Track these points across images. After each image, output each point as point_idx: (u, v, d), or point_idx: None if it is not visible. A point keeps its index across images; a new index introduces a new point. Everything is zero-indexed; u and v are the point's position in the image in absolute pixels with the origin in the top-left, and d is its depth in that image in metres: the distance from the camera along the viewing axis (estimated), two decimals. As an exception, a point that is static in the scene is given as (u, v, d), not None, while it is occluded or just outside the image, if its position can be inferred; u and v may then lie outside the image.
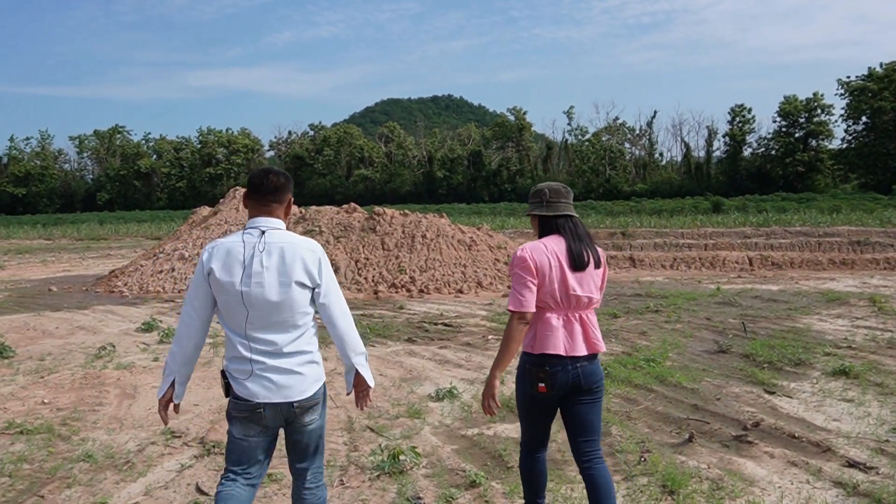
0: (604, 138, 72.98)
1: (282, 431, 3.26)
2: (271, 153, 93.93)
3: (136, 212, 73.68)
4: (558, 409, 3.57)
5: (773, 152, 63.78)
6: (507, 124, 78.25)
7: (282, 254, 3.05)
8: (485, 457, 5.16)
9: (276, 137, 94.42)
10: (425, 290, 13.53)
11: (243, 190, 18.06)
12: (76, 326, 11.19)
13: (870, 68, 57.94)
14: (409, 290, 13.59)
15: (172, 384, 3.18)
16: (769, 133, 65.29)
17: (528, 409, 3.60)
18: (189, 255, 15.65)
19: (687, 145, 73.23)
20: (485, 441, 5.46)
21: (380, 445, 5.18)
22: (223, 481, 3.16)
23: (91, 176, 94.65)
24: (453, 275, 13.93)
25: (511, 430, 5.74)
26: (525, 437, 3.70)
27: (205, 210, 18.44)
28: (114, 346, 9.18)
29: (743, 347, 8.37)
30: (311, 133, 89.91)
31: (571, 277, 3.37)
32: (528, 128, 77.49)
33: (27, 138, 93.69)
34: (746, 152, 66.88)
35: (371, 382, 3.35)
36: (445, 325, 10.47)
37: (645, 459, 4.93)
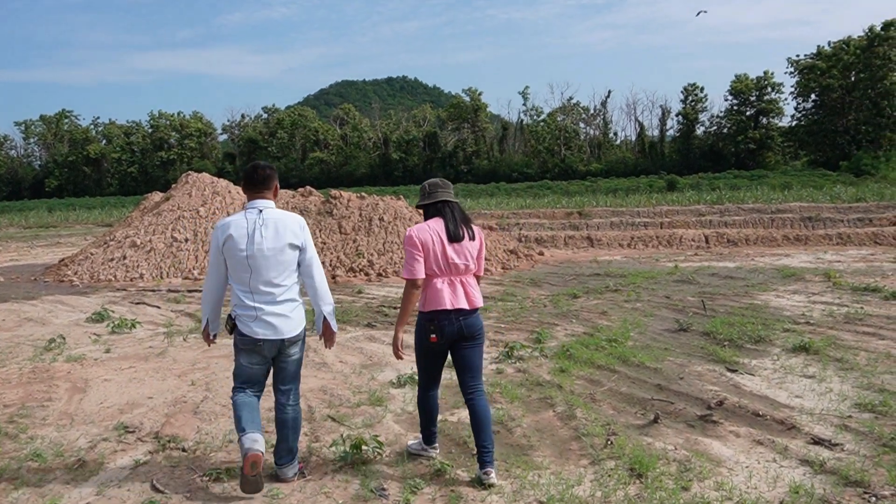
0: (559, 118, 73.17)
1: None
2: (224, 136, 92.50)
3: (86, 198, 72.07)
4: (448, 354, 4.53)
5: (726, 130, 64.59)
6: (462, 105, 77.88)
7: (276, 226, 4.21)
8: (448, 444, 5.06)
9: (229, 121, 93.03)
10: (384, 274, 13.37)
11: (196, 175, 17.79)
12: (24, 318, 10.81)
13: (818, 47, 58.86)
14: (367, 274, 13.42)
15: (208, 322, 4.47)
16: (721, 111, 66.13)
17: (424, 356, 4.55)
18: (141, 243, 15.25)
19: (641, 125, 73.85)
20: (448, 428, 5.35)
21: (341, 435, 5.04)
22: (237, 393, 4.37)
23: (39, 162, 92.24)
24: (412, 258, 13.77)
25: (475, 415, 5.64)
26: (422, 379, 4.65)
27: (157, 196, 17.99)
28: (63, 338, 8.87)
29: (703, 325, 8.39)
30: (265, 116, 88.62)
31: (450, 249, 4.29)
32: (483, 108, 77.21)
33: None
34: (699, 131, 67.64)
35: (335, 328, 4.50)
36: (405, 308, 10.32)
37: (611, 442, 4.87)
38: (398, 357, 4.51)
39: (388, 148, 77.48)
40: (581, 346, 7.55)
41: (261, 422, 4.34)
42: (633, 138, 75.76)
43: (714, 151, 63.59)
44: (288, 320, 4.25)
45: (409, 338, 5.89)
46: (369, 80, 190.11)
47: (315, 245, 14.35)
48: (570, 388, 6.18)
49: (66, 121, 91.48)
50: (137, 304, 11.78)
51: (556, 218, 24.10)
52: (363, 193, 15.99)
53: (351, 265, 13.65)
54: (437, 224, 4.35)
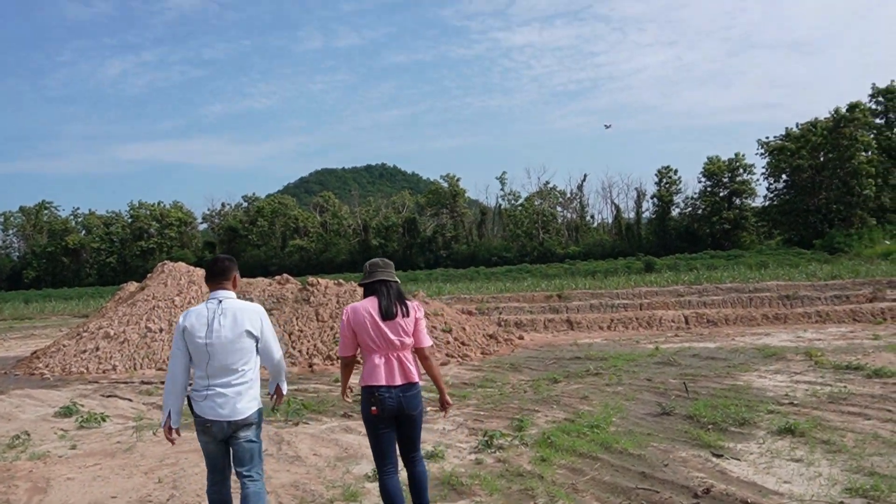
0: (536, 202, 73.97)
1: None
2: (205, 225, 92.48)
3: (64, 289, 71.27)
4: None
5: (700, 211, 65.42)
6: (440, 191, 78.67)
7: (234, 315, 4.48)
8: (426, 542, 4.82)
9: (209, 210, 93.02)
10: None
11: (172, 264, 17.64)
12: (-11, 414, 10.46)
13: (787, 128, 60.31)
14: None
15: (170, 415, 4.52)
16: (695, 193, 67.09)
17: (370, 429, 4.71)
18: (115, 333, 14.96)
19: (617, 207, 74.71)
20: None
21: (313, 536, 4.81)
22: (209, 485, 4.66)
23: (17, 253, 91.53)
24: (390, 344, 13.58)
25: (453, 509, 5.42)
26: (375, 460, 4.77)
27: (132, 286, 17.78)
28: (28, 434, 8.56)
29: (686, 408, 8.23)
30: (245, 204, 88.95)
31: (384, 326, 4.56)
32: (461, 194, 78.02)
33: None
34: (675, 212, 68.47)
35: (285, 390, 4.92)
36: (383, 397, 10.09)
37: (595, 536, 4.67)
38: (345, 400, 5.01)
39: (367, 234, 77.72)
40: (562, 433, 7.36)
41: None
42: (610, 221, 76.56)
43: (690, 232, 64.28)
44: (238, 403, 4.43)
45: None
46: (349, 167, 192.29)
47: (292, 333, 13.95)
48: (551, 479, 5.98)
49: (46, 212, 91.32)
50: (108, 396, 11.46)
51: (536, 301, 24.04)
52: (340, 280, 15.87)
53: (328, 353, 13.42)
54: (371, 303, 4.64)
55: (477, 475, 6.17)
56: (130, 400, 11.13)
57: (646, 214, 71.50)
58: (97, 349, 14.60)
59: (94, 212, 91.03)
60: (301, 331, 14.04)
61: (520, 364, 12.53)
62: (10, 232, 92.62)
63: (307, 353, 13.46)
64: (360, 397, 4.75)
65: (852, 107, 54.38)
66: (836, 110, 55.23)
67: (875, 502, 5.07)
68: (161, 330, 14.84)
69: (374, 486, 6.06)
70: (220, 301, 4.53)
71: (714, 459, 6.32)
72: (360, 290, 14.99)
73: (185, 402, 4.53)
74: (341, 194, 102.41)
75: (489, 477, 6.11)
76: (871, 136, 55.13)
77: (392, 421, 4.61)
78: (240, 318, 4.46)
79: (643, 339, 15.36)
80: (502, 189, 78.89)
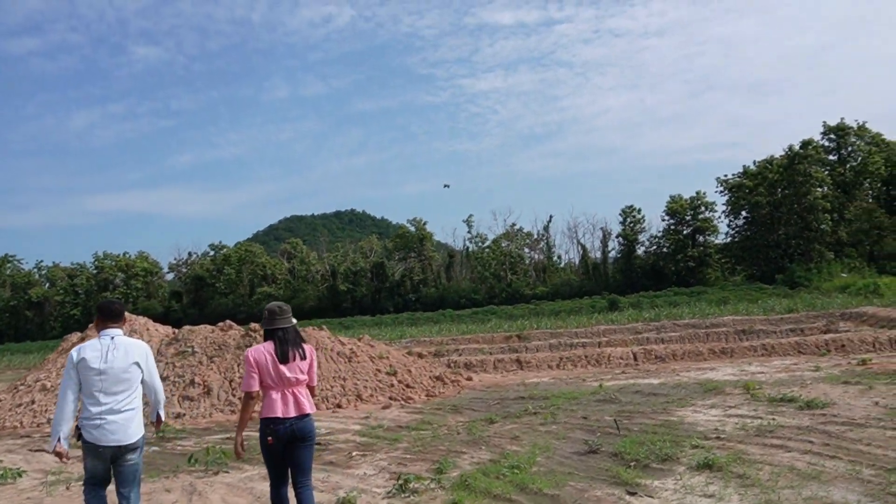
0: (503, 244, 74.08)
1: None
2: (171, 275, 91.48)
3: (26, 343, 69.97)
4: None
5: (665, 249, 65.92)
6: (408, 235, 78.60)
7: (125, 349, 5.21)
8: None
9: (175, 259, 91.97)
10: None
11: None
12: None
13: (744, 166, 61.25)
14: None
15: (59, 439, 5.00)
16: (659, 231, 67.64)
17: (266, 456, 5.30)
18: (52, 386, 14.58)
19: (583, 247, 75.03)
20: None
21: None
22: (87, 491, 5.22)
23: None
24: (332, 389, 13.38)
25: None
26: (270, 477, 5.37)
27: (75, 337, 17.40)
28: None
29: (613, 446, 8.12)
30: (212, 253, 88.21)
31: (282, 367, 5.17)
32: (428, 237, 77.98)
33: None
34: (640, 250, 68.91)
35: (164, 417, 5.64)
36: (317, 443, 9.88)
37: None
38: (238, 456, 5.35)
39: (336, 279, 77.27)
40: (482, 476, 7.22)
41: None
42: (577, 261, 76.88)
43: (655, 270, 64.67)
44: (126, 429, 5.08)
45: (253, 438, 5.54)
46: (318, 214, 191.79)
47: (233, 380, 13.74)
48: (457, 522, 5.83)
49: (9, 265, 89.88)
50: (35, 451, 11.11)
51: (496, 342, 23.97)
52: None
53: (269, 400, 13.18)
54: (270, 346, 5.23)
55: (383, 521, 6.02)
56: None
57: (612, 253, 71.91)
58: (33, 402, 14.23)
59: (59, 264, 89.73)
60: (242, 378, 13.78)
61: (462, 405, 12.38)
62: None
63: (248, 401, 13.21)
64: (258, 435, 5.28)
65: (805, 144, 55.49)
66: (790, 147, 56.27)
67: (773, 535, 4.98)
68: (99, 381, 14.50)
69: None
70: (113, 337, 5.25)
71: (627, 498, 6.22)
72: (307, 338, 14.84)
73: (75, 429, 5.09)
74: (311, 241, 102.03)
75: (395, 522, 5.95)
76: (826, 171, 56.26)
77: (283, 448, 5.20)
78: (130, 351, 5.23)
79: (590, 377, 15.28)
80: (469, 231, 78.81)
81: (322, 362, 14.02)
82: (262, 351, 5.20)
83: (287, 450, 5.20)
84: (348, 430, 10.75)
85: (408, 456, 8.64)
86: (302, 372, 5.24)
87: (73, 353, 5.17)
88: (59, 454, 5.04)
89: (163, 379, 13.87)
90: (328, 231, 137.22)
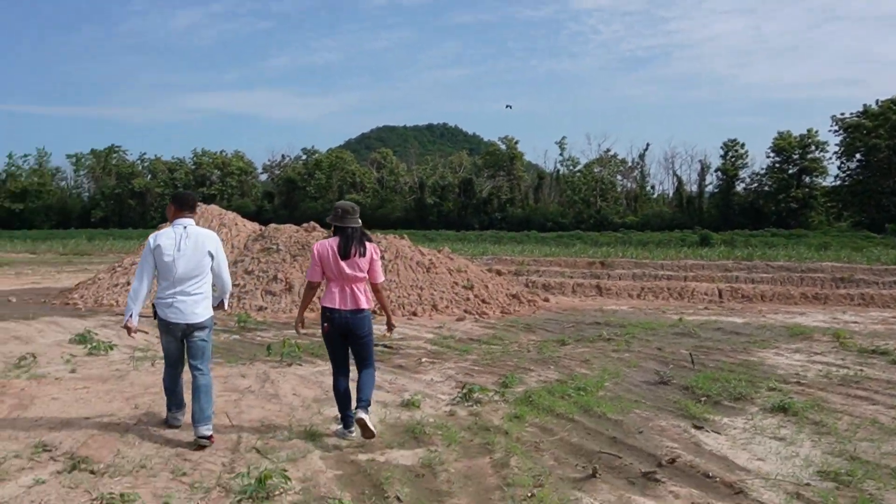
0: (595, 170, 72.72)
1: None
2: (265, 176, 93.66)
3: (128, 230, 73.25)
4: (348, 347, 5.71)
5: (766, 188, 63.45)
6: (498, 153, 77.94)
7: (196, 238, 5.57)
8: (365, 484, 4.72)
9: (269, 161, 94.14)
10: (377, 311, 13.06)
11: (205, 206, 17.82)
12: (11, 336, 10.71)
13: (865, 105, 57.68)
14: (376, 313, 13.13)
15: (131, 315, 5.57)
16: (762, 169, 65.06)
17: (326, 344, 5.77)
18: (142, 270, 15.21)
19: (679, 179, 72.99)
20: (373, 468, 5.01)
21: (248, 468, 4.73)
22: (166, 370, 5.81)
23: (87, 194, 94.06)
24: (408, 297, 13.49)
25: (406, 456, 5.29)
26: (332, 364, 5.79)
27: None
28: (34, 356, 8.73)
29: (685, 379, 7.91)
30: (304, 157, 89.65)
31: (342, 262, 5.47)
32: (519, 157, 77.14)
33: (25, 156, 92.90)
34: (739, 187, 66.57)
35: (226, 306, 6.06)
36: (385, 346, 10.02)
37: (533, 495, 4.49)
38: (297, 329, 5.86)
39: (423, 192, 77.66)
40: (546, 394, 7.15)
41: (182, 397, 5.87)
42: (671, 192, 75.04)
43: (754, 209, 62.44)
44: (195, 310, 5.52)
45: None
46: (410, 125, 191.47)
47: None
48: (517, 436, 5.80)
49: (115, 155, 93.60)
50: (125, 328, 11.62)
51: (578, 267, 23.63)
52: (366, 230, 15.78)
53: (347, 302, 13.40)
54: (335, 242, 5.54)
55: (443, 426, 6.03)
56: (147, 332, 11.26)
57: (709, 188, 69.74)
58: (128, 283, 14.86)
59: (160, 157, 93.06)
60: (323, 278, 14.03)
61: (536, 325, 12.31)
62: (81, 173, 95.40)
63: (326, 301, 13.46)
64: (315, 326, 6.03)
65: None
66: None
67: (844, 487, 4.76)
68: (188, 269, 15.01)
69: (337, 428, 5.98)
70: (185, 227, 5.59)
71: (692, 431, 6.05)
72: (384, 245, 14.91)
73: (152, 307, 5.65)
74: (401, 152, 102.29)
75: (454, 429, 5.96)
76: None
77: (342, 338, 5.60)
78: (200, 241, 5.56)
79: (671, 309, 14.94)
80: (561, 154, 77.57)
81: (400, 270, 14.11)
82: (327, 246, 5.53)
83: (346, 342, 5.64)
84: (421, 338, 10.84)
85: (476, 368, 8.65)
86: (361, 269, 5.52)
87: (151, 239, 5.59)
88: (128, 328, 5.59)
89: (247, 273, 14.26)
90: (419, 143, 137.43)
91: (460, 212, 74.96)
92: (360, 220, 5.66)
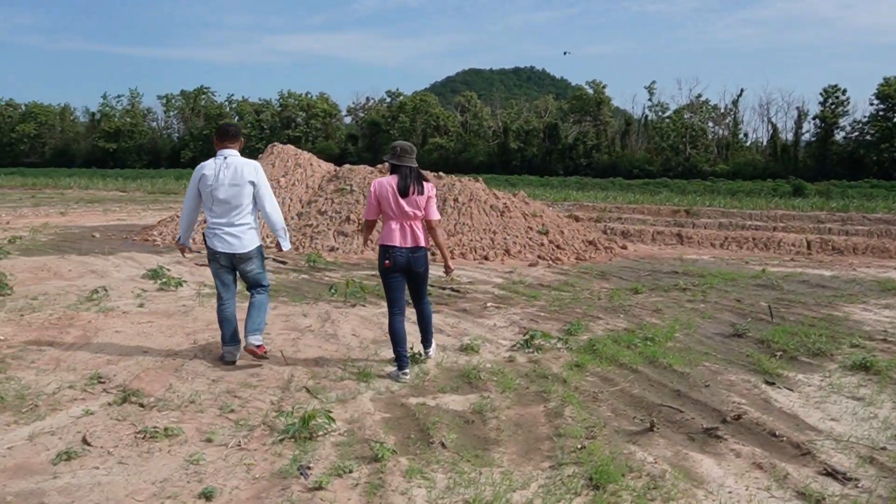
0: (685, 116, 70.26)
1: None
2: (349, 119, 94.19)
3: (217, 170, 74.87)
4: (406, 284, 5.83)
5: (868, 137, 60.25)
6: (585, 97, 76.06)
7: (235, 168, 5.67)
8: (412, 428, 4.62)
9: (353, 103, 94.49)
10: (450, 255, 12.93)
11: (281, 146, 17.88)
12: (89, 270, 11.07)
13: (980, 51, 53.98)
14: (433, 254, 13.01)
15: (180, 237, 6.18)
16: (865, 117, 61.64)
17: (384, 281, 5.77)
18: (220, 208, 15.44)
19: (774, 126, 69.86)
20: (422, 412, 4.91)
21: (293, 407, 4.69)
22: (218, 303, 5.98)
23: (177, 134, 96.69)
24: (481, 240, 13.29)
25: (458, 401, 5.16)
26: (388, 302, 5.82)
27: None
28: (106, 290, 8.96)
29: (762, 333, 7.50)
30: (388, 100, 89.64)
31: (402, 200, 5.53)
32: (606, 102, 75.15)
33: (118, 96, 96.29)
34: (839, 136, 63.40)
35: (285, 247, 6.05)
36: (453, 290, 9.89)
37: (584, 447, 4.29)
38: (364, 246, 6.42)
39: (507, 137, 76.76)
40: (611, 342, 6.90)
41: (236, 330, 5.94)
42: (765, 140, 72.06)
43: (854, 159, 59.37)
44: (239, 240, 5.71)
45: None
46: (496, 69, 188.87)
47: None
48: (575, 385, 5.59)
49: (204, 97, 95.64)
50: (200, 265, 11.83)
51: (662, 215, 22.89)
52: (440, 173, 15.58)
53: (419, 244, 13.29)
54: (394, 180, 5.57)
55: (499, 372, 5.88)
56: (199, 253, 11.45)
57: (805, 136, 66.64)
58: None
59: (247, 99, 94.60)
60: (396, 220, 13.96)
61: (610, 272, 11.96)
62: (171, 114, 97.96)
63: (398, 243, 13.39)
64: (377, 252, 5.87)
65: None
66: None
67: (925, 451, 4.39)
68: (264, 208, 15.14)
69: (391, 370, 5.89)
70: (226, 157, 5.74)
71: (763, 387, 5.72)
72: (458, 188, 14.70)
73: (202, 235, 5.90)
74: (486, 96, 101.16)
75: (511, 375, 5.80)
76: None
77: (401, 274, 5.68)
78: (240, 170, 5.67)
79: (755, 260, 14.29)
80: (650, 99, 75.52)
81: (474, 213, 13.91)
82: (385, 184, 5.58)
83: (404, 279, 5.74)
84: (489, 282, 10.66)
85: (542, 314, 8.43)
86: (419, 207, 5.59)
87: (197, 169, 5.83)
88: (181, 250, 6.15)
89: (320, 213, 14.29)
90: (505, 87, 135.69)
91: (544, 157, 73.88)
92: (416, 161, 5.71)
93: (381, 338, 7.02)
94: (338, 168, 16.39)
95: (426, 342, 6.14)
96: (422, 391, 5.40)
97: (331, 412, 4.57)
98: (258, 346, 5.71)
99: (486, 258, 12.86)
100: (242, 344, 5.88)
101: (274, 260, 12.34)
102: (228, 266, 5.83)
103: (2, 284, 8.78)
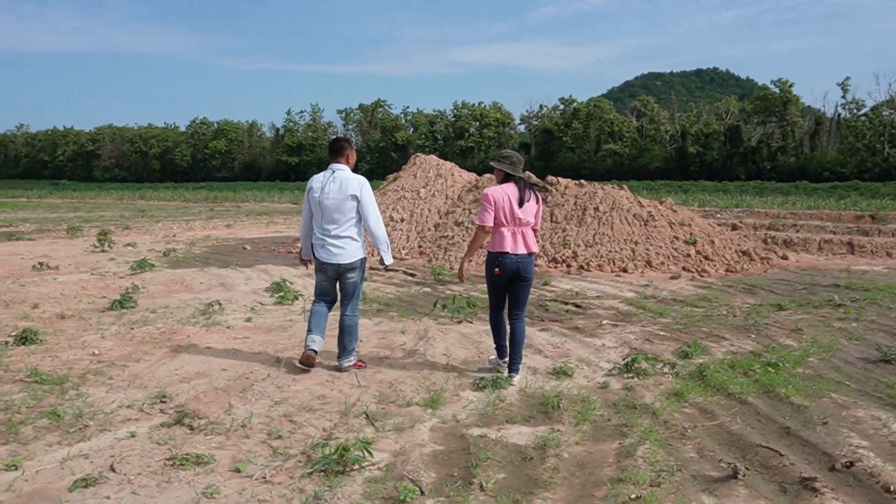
0: (884, 112, 64.31)
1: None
2: (522, 127, 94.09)
3: (393, 182, 77.23)
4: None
5: None
6: (769, 97, 71.33)
7: (341, 182, 5.88)
8: (459, 465, 4.22)
9: (527, 111, 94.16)
10: (585, 267, 12.30)
11: (424, 157, 17.89)
12: (219, 282, 11.33)
13: None
14: (568, 266, 12.44)
15: (301, 249, 6.44)
16: None
17: (491, 286, 5.96)
18: (362, 220, 15.61)
19: None
20: (478, 445, 4.48)
21: (330, 436, 4.40)
22: (313, 303, 6.25)
23: (355, 147, 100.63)
24: (621, 251, 12.54)
25: (524, 434, 4.69)
26: (491, 303, 6.05)
27: (393, 177, 18.37)
28: (221, 304, 9.11)
29: (919, 359, 6.43)
30: (561, 107, 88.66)
31: (517, 209, 5.65)
32: (794, 101, 70.04)
33: (301, 112, 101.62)
34: None
35: (387, 261, 6.16)
36: (575, 305, 9.31)
37: (639, 497, 3.71)
38: (461, 279, 6.16)
39: (685, 141, 73.70)
40: (726, 368, 6.13)
41: (325, 328, 6.16)
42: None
43: None
44: (344, 252, 5.92)
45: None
46: (677, 71, 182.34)
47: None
48: (665, 418, 4.95)
49: (380, 110, 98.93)
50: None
51: (843, 221, 20.88)
52: (582, 181, 14.91)
53: (554, 255, 12.74)
54: (510, 189, 5.72)
55: (584, 400, 5.33)
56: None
57: None
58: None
59: (422, 110, 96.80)
60: (533, 230, 13.48)
61: (760, 286, 10.88)
62: (350, 127, 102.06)
63: (533, 254, 12.92)
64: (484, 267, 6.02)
65: None
66: None
67: None
68: (402, 220, 15.15)
69: (471, 395, 5.51)
70: (334, 171, 5.97)
71: (895, 426, 4.81)
72: (600, 196, 14.01)
73: (311, 246, 6.11)
74: (666, 99, 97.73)
75: (596, 404, 5.25)
76: None
77: (507, 281, 5.80)
78: (345, 185, 5.86)
79: (943, 272, 12.56)
80: (843, 97, 69.54)
81: (615, 223, 13.18)
82: (502, 192, 5.71)
83: (509, 285, 5.84)
84: (618, 297, 9.98)
85: (662, 333, 7.71)
86: (532, 215, 5.77)
87: (308, 183, 6.12)
88: (304, 263, 6.44)
89: (457, 224, 14.09)
90: (686, 90, 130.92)
91: (725, 161, 70.27)
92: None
93: (474, 358, 6.65)
94: (478, 178, 16.14)
95: (513, 366, 5.93)
96: (489, 420, 4.97)
97: (369, 443, 4.23)
98: (353, 364, 6.14)
99: (624, 270, 12.12)
100: (324, 341, 6.22)
101: (405, 272, 12.25)
102: (333, 277, 6.09)
103: (128, 298, 9.15)
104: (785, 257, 13.68)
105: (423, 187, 15.95)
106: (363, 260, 6.09)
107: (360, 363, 6.19)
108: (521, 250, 5.71)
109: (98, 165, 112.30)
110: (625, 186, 14.83)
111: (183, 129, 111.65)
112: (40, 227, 23.09)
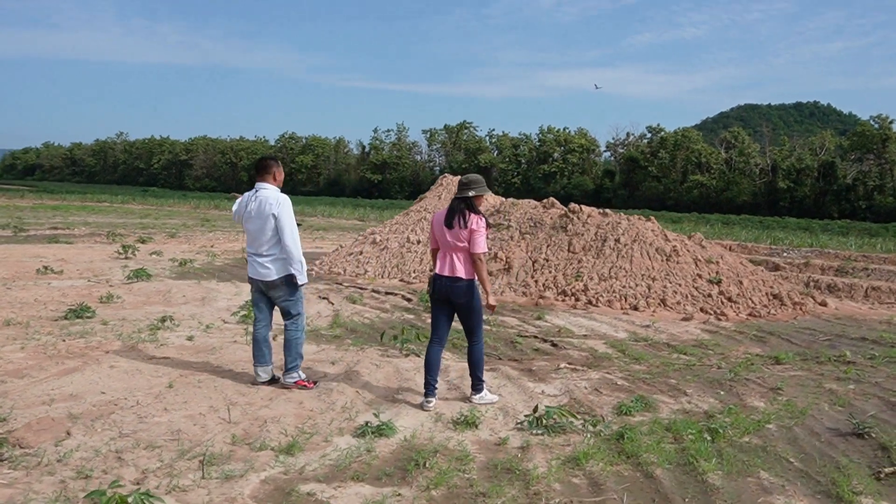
0: None
1: None
2: (607, 154, 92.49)
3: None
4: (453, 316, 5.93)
5: None
6: (868, 133, 67.93)
7: (260, 201, 5.93)
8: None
9: (613, 139, 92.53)
10: (594, 302, 11.43)
11: (451, 178, 17.31)
12: (201, 297, 10.98)
13: None
14: (576, 300, 11.60)
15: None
16: None
17: (432, 305, 5.95)
18: (380, 240, 15.09)
19: None
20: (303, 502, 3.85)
21: (139, 481, 3.84)
22: (254, 326, 6.27)
23: (438, 167, 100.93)
24: (635, 288, 11.62)
25: (358, 496, 4.02)
26: (431, 330, 5.98)
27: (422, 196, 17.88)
28: (173, 319, 8.78)
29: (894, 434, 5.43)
30: (648, 136, 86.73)
31: (445, 231, 5.70)
32: (893, 138, 66.39)
33: (387, 130, 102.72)
34: None
35: (300, 280, 6.05)
36: (552, 344, 8.55)
37: None
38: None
39: (775, 176, 70.86)
40: (659, 430, 5.32)
41: (268, 354, 6.23)
42: None
43: None
44: (266, 269, 5.97)
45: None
46: (775, 104, 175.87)
47: (537, 261, 13.04)
48: (538, 489, 4.22)
49: (466, 131, 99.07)
50: (322, 298, 11.46)
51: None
52: (607, 210, 14.02)
53: (564, 287, 11.92)
54: (445, 211, 5.80)
55: (462, 458, 4.63)
56: (333, 304, 10.98)
57: None
58: (361, 253, 14.88)
59: (507, 133, 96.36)
60: (547, 260, 12.69)
61: (776, 334, 9.80)
62: (434, 147, 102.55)
63: (542, 286, 12.12)
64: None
65: None
66: None
67: None
68: (419, 242, 14.58)
69: (337, 442, 4.86)
70: (257, 191, 6.02)
71: (814, 522, 3.92)
72: (623, 227, 13.15)
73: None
74: (760, 132, 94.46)
75: (471, 465, 4.53)
76: None
77: (444, 304, 5.82)
78: (264, 204, 5.90)
79: None
80: (949, 136, 65.52)
81: (634, 257, 12.27)
82: (439, 215, 5.87)
83: (447, 310, 5.85)
84: (606, 337, 9.14)
85: (621, 382, 6.86)
86: (460, 239, 5.62)
87: (235, 202, 6.30)
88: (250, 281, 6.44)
89: (470, 248, 13.40)
90: (784, 123, 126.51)
91: (817, 198, 67.22)
92: (471, 193, 5.69)
93: (389, 396, 6.00)
94: (503, 201, 15.43)
95: (473, 384, 6.07)
96: (336, 475, 4.33)
97: (152, 496, 3.65)
98: (295, 383, 6.11)
99: (635, 308, 11.21)
100: (272, 368, 6.32)
101: (403, 298, 11.68)
102: (262, 292, 6.14)
103: (86, 308, 8.86)
104: (823, 304, 12.44)
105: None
106: (287, 277, 6.01)
107: (302, 382, 6.13)
108: (446, 272, 5.68)
109: (190, 175, 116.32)
110: (652, 218, 13.86)
111: (272, 142, 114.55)
112: (93, 232, 23.50)
